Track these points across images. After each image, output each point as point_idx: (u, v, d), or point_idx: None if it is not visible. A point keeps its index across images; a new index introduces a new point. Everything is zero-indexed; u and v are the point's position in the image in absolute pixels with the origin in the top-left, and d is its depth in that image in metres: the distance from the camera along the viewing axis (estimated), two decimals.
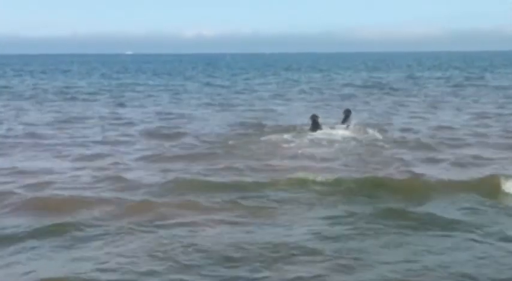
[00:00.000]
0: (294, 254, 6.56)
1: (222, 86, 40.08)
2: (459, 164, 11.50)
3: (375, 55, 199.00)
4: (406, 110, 22.18)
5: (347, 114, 17.04)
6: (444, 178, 9.87)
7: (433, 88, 34.85)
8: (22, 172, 11.06)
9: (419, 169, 11.02)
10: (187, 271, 6.19)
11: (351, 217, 7.86)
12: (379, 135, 15.21)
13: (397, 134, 15.52)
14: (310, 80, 46.55)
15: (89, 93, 32.59)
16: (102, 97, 29.98)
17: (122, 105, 25.42)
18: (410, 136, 15.14)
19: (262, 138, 15.10)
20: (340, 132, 15.93)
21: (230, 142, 14.44)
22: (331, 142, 14.49)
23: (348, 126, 16.47)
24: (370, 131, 15.96)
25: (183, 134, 15.88)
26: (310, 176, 10.35)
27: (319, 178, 10.19)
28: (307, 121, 16.65)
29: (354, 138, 14.90)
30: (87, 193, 9.32)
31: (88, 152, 13.23)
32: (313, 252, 6.61)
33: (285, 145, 14.16)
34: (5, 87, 38.65)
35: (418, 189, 9.24)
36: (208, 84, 42.17)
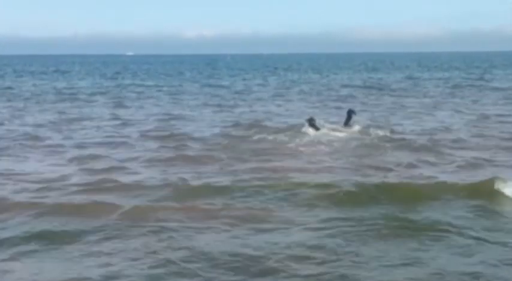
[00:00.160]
0: (291, 259, 6.51)
1: (221, 86, 40.07)
2: (458, 166, 11.44)
3: (375, 56, 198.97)
4: (405, 111, 22.13)
5: (350, 114, 17.04)
6: (443, 181, 9.82)
7: (433, 89, 34.82)
8: (18, 175, 11.02)
9: (418, 171, 10.98)
10: (185, 275, 6.17)
11: (349, 221, 7.80)
12: (378, 137, 15.21)
13: (396, 136, 15.46)
14: (310, 81, 46.54)
15: (89, 94, 32.54)
16: (101, 98, 29.93)
17: (121, 106, 25.39)
18: (409, 137, 15.09)
19: (262, 140, 15.09)
20: (340, 133, 15.95)
21: (229, 144, 14.42)
22: (330, 143, 14.48)
23: (348, 126, 16.50)
24: (369, 132, 15.97)
25: (182, 136, 15.82)
26: (309, 178, 10.32)
27: (318, 180, 10.15)
28: (305, 123, 16.71)
29: (353, 140, 14.90)
30: (85, 196, 9.25)
31: (86, 154, 13.14)
32: (311, 257, 6.56)
33: (284, 146, 14.14)
34: (5, 88, 38.65)
35: (418, 192, 9.15)
36: (208, 85, 42.14)
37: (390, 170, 11.22)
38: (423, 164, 11.66)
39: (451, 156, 12.52)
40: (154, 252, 6.76)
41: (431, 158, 12.21)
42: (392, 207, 8.47)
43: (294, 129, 16.66)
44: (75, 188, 9.86)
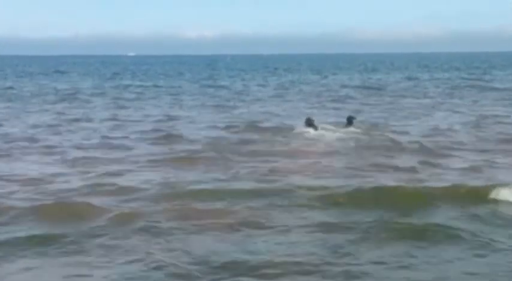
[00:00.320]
0: (287, 263, 6.45)
1: (221, 87, 40.07)
2: (457, 169, 11.36)
3: (375, 56, 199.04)
4: (404, 112, 22.08)
5: (350, 121, 16.98)
6: (442, 184, 9.70)
7: (432, 89, 34.81)
8: (14, 176, 10.97)
9: (417, 174, 10.90)
10: (181, 278, 6.14)
11: (347, 225, 7.75)
12: (376, 138, 15.19)
13: (395, 137, 15.40)
14: (309, 81, 46.54)
15: (88, 95, 32.43)
16: (100, 99, 29.84)
17: (120, 107, 25.32)
18: (408, 139, 15.03)
19: (260, 140, 15.09)
20: (338, 134, 15.93)
21: (227, 145, 14.40)
22: (329, 144, 14.47)
23: (347, 128, 16.50)
24: (368, 133, 15.95)
25: (180, 137, 15.77)
26: (307, 180, 10.29)
27: (316, 182, 10.13)
28: (303, 124, 16.71)
29: (351, 141, 14.85)
30: (81, 199, 9.20)
31: (83, 156, 13.09)
32: (307, 261, 6.51)
33: (282, 147, 14.14)
34: (5, 88, 38.64)
35: (416, 195, 9.08)
36: (207, 85, 42.14)
37: (389, 172, 11.17)
38: (422, 167, 11.58)
39: (450, 158, 12.45)
40: (151, 255, 6.72)
41: (430, 160, 12.14)
42: (390, 211, 8.41)
43: (293, 130, 16.68)
44: (71, 191, 9.80)
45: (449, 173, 10.98)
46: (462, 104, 25.08)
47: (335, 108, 24.13)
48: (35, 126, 18.61)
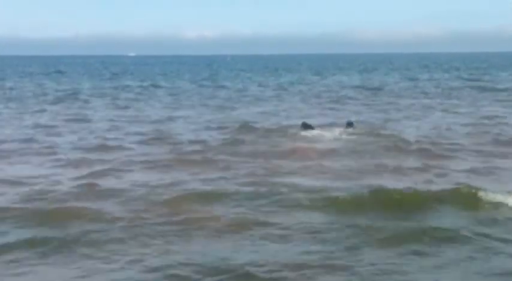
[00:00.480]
0: (284, 266, 6.42)
1: (221, 87, 40.02)
2: (455, 171, 11.31)
3: (374, 56, 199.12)
4: (404, 113, 22.04)
5: (349, 127, 16.93)
6: (439, 188, 9.65)
7: (432, 90, 34.72)
8: (10, 178, 10.94)
9: (415, 176, 10.87)
10: None
11: (345, 228, 7.71)
12: (375, 140, 15.13)
13: (393, 138, 15.38)
14: (309, 82, 46.48)
15: (88, 96, 32.33)
16: (99, 100, 29.77)
17: (119, 108, 25.30)
18: (407, 141, 14.97)
19: (259, 141, 15.08)
20: (336, 135, 15.93)
21: (226, 146, 14.36)
22: (326, 146, 14.42)
23: (346, 130, 16.49)
24: (366, 134, 15.95)
25: (178, 138, 15.74)
26: (304, 182, 10.24)
27: (313, 184, 10.10)
28: (300, 128, 16.74)
29: (349, 142, 14.82)
30: (76, 203, 9.12)
31: (80, 158, 13.01)
32: (304, 265, 6.47)
33: (281, 148, 14.13)
34: (5, 89, 38.58)
35: (414, 199, 9.01)
36: (207, 85, 42.11)
37: (387, 174, 11.16)
38: (421, 169, 11.55)
39: (448, 160, 12.40)
40: (147, 258, 6.71)
41: (428, 162, 12.10)
42: (389, 213, 8.39)
43: (291, 131, 16.67)
44: (66, 193, 9.74)
45: (448, 176, 10.95)
46: (461, 105, 25.02)
47: (335, 109, 24.12)
48: (33, 127, 18.58)
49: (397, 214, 8.37)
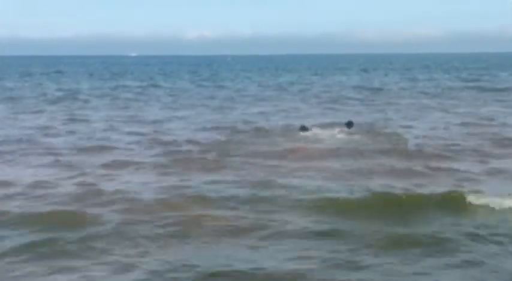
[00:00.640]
0: (280, 272, 6.37)
1: (221, 87, 40.03)
2: (453, 173, 11.26)
3: (375, 57, 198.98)
4: (403, 113, 21.98)
5: (349, 125, 16.92)
6: (438, 191, 9.53)
7: (432, 90, 34.63)
8: (5, 181, 10.84)
9: (413, 179, 10.79)
10: None
11: (341, 233, 7.65)
12: (373, 141, 15.09)
13: (392, 139, 15.35)
14: (308, 82, 46.46)
15: (88, 96, 32.31)
16: (99, 100, 29.72)
17: (118, 108, 25.24)
18: (405, 142, 14.94)
19: (257, 142, 15.04)
20: (336, 136, 15.94)
21: (225, 146, 14.29)
22: (325, 146, 14.39)
23: (344, 131, 16.49)
24: (366, 136, 15.96)
25: (176, 139, 15.65)
26: (302, 184, 10.19)
27: (312, 185, 10.07)
28: (299, 127, 16.74)
29: (347, 143, 14.79)
30: (73, 206, 9.03)
31: (76, 160, 12.87)
32: (301, 270, 6.41)
33: (279, 148, 14.12)
34: (5, 89, 38.56)
35: (412, 203, 8.93)
36: (207, 86, 42.07)
37: (385, 175, 11.10)
38: (419, 170, 11.51)
39: (447, 162, 12.31)
40: (143, 261, 6.67)
41: (427, 163, 12.05)
42: (387, 216, 8.34)
43: (291, 131, 16.67)
44: (64, 196, 9.65)
45: (447, 177, 10.90)
46: (461, 105, 25.00)
47: (334, 109, 24.14)
48: (31, 127, 18.53)
49: (395, 217, 8.34)
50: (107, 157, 13.21)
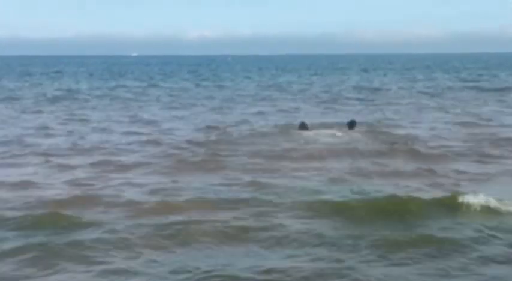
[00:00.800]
0: (277, 279, 6.27)
1: (221, 87, 40.05)
2: (451, 174, 11.20)
3: (374, 57, 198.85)
4: (401, 114, 21.97)
5: (351, 125, 16.81)
6: (435, 194, 9.47)
7: (431, 91, 34.61)
8: (5, 180, 10.82)
9: (412, 181, 10.68)
10: None
11: (341, 236, 7.55)
12: (371, 141, 15.05)
13: (391, 140, 15.25)
14: (308, 82, 46.50)
15: (87, 96, 32.26)
16: (98, 100, 29.66)
17: (118, 108, 25.16)
18: (405, 143, 14.84)
19: (256, 142, 15.01)
20: (335, 137, 15.93)
21: (222, 147, 14.20)
22: (324, 146, 14.33)
23: (344, 131, 16.48)
24: (365, 136, 15.96)
25: (174, 140, 15.57)
26: (300, 185, 10.12)
27: (311, 187, 10.02)
28: (298, 128, 16.74)
29: (346, 143, 14.75)
30: (69, 208, 8.82)
31: (71, 162, 12.69)
32: (299, 276, 6.32)
33: (278, 148, 14.08)
34: (4, 89, 38.55)
35: (411, 206, 8.79)
36: (206, 85, 42.10)
37: (384, 177, 11.04)
38: (418, 171, 11.45)
39: (445, 164, 12.25)
40: (140, 265, 6.61)
41: (426, 164, 11.98)
42: (385, 219, 8.27)
43: (290, 131, 16.65)
44: (60, 198, 9.49)
45: (446, 179, 10.85)
46: (461, 105, 24.96)
47: (334, 109, 24.16)
48: (30, 127, 18.45)
49: (394, 219, 8.29)
50: (106, 158, 13.12)
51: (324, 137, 15.80)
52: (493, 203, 8.76)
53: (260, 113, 22.68)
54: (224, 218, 8.30)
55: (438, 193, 9.46)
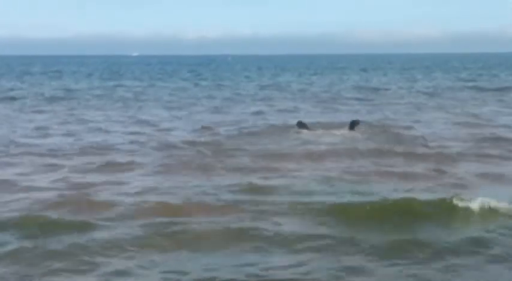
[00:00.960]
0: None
1: (220, 87, 40.00)
2: (448, 176, 11.09)
3: (374, 57, 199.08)
4: (401, 114, 21.93)
5: (352, 125, 16.72)
6: (434, 196, 9.29)
7: (431, 91, 34.57)
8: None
9: (412, 183, 10.60)
10: None
11: (340, 241, 7.43)
12: (373, 142, 14.96)
13: (390, 140, 15.24)
14: (308, 82, 46.51)
15: (86, 95, 32.18)
16: (97, 100, 29.58)
17: (117, 108, 25.11)
18: (405, 143, 14.82)
19: (255, 142, 14.95)
20: (333, 136, 15.93)
21: (220, 148, 14.12)
22: (324, 147, 14.24)
23: (344, 131, 16.45)
24: (362, 135, 15.89)
25: (173, 141, 15.39)
26: (299, 187, 10.06)
27: (310, 188, 9.98)
28: (296, 127, 16.74)
29: (348, 144, 14.67)
30: (64, 211, 8.71)
31: (66, 163, 12.49)
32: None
33: (277, 148, 14.06)
34: (4, 89, 38.54)
35: (408, 209, 8.68)
36: (206, 85, 42.08)
37: (383, 178, 10.95)
38: (417, 172, 11.38)
39: (445, 163, 12.17)
40: (136, 269, 6.54)
41: (425, 165, 11.95)
42: (383, 223, 8.18)
43: (289, 131, 16.63)
44: (55, 199, 9.33)
45: (445, 179, 10.79)
46: (460, 105, 24.94)
47: (334, 109, 24.16)
48: (27, 127, 18.38)
49: (393, 222, 8.22)
50: (104, 158, 13.03)
51: (324, 136, 15.79)
52: (492, 204, 8.67)
53: (259, 112, 22.65)
54: (221, 219, 8.24)
55: (437, 194, 9.39)
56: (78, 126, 18.70)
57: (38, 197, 9.56)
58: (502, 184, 10.60)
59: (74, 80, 49.93)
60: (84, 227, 7.93)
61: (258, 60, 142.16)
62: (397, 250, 7.08)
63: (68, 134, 16.90)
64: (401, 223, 8.24)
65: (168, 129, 17.80)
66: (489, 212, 8.52)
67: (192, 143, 14.84)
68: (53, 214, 8.47)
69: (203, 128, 17.79)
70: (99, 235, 7.62)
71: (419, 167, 11.82)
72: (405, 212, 8.54)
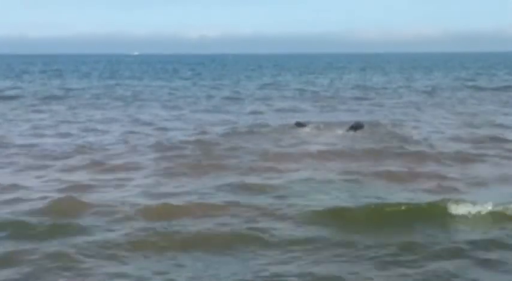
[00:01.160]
0: None
1: (220, 86, 39.95)
2: (448, 176, 11.06)
3: (375, 56, 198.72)
4: (401, 114, 21.90)
5: (355, 129, 16.51)
6: (433, 198, 9.25)
7: (431, 90, 34.58)
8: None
9: (411, 184, 10.59)
10: None
11: (339, 244, 7.37)
12: (372, 142, 14.93)
13: (389, 140, 15.22)
14: (307, 81, 46.45)
15: (85, 95, 32.15)
16: (96, 99, 29.50)
17: (116, 108, 25.07)
18: (402, 142, 14.80)
19: (255, 142, 14.92)
20: (331, 135, 15.92)
21: (220, 148, 14.01)
22: (323, 147, 14.21)
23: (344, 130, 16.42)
24: (361, 135, 15.92)
25: (171, 141, 15.32)
26: (298, 188, 10.03)
27: (309, 189, 9.96)
28: (295, 127, 16.72)
29: (348, 144, 14.66)
30: (59, 214, 8.53)
31: (61, 164, 12.40)
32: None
33: (277, 148, 14.05)
34: (4, 88, 38.50)
35: (407, 212, 8.63)
36: (205, 85, 41.97)
37: (382, 179, 10.90)
38: (416, 173, 11.33)
39: (444, 164, 12.18)
40: (131, 272, 6.49)
41: (425, 166, 11.93)
42: (381, 226, 8.15)
43: (288, 131, 16.60)
44: (47, 202, 9.16)
45: (444, 180, 10.75)
46: (460, 105, 24.97)
47: (333, 108, 24.17)
48: (25, 127, 18.29)
49: (388, 225, 8.18)
50: (101, 158, 13.00)
51: (322, 136, 15.77)
52: (491, 205, 8.62)
53: (259, 112, 22.65)
54: (219, 220, 8.21)
55: (436, 196, 9.34)
56: (76, 126, 18.65)
57: (31, 199, 9.46)
58: (501, 184, 10.58)
59: (74, 79, 49.88)
60: (80, 229, 7.87)
61: (258, 60, 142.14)
62: (395, 253, 7.04)
63: (65, 134, 16.84)
64: (399, 226, 8.20)
65: (167, 129, 17.78)
66: (487, 214, 8.48)
67: (190, 143, 14.80)
68: (48, 216, 8.39)
69: (204, 127, 17.77)
70: (96, 237, 7.56)
71: (417, 168, 11.79)
72: (403, 215, 8.50)
